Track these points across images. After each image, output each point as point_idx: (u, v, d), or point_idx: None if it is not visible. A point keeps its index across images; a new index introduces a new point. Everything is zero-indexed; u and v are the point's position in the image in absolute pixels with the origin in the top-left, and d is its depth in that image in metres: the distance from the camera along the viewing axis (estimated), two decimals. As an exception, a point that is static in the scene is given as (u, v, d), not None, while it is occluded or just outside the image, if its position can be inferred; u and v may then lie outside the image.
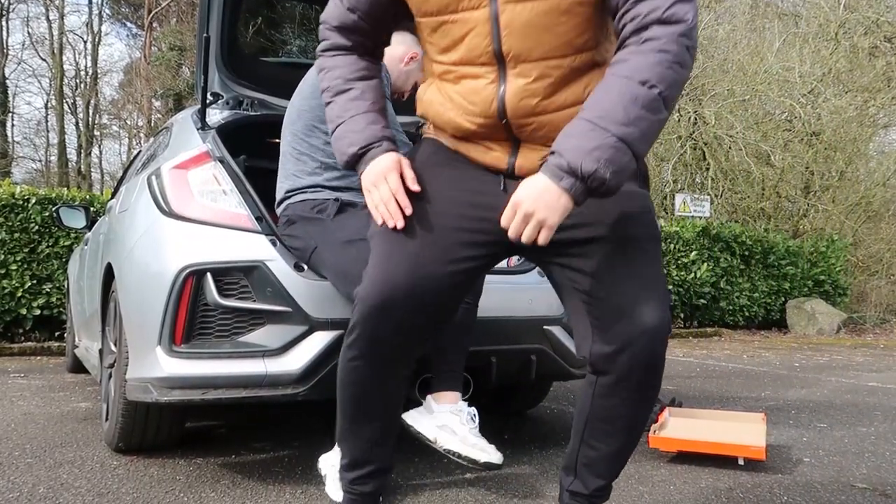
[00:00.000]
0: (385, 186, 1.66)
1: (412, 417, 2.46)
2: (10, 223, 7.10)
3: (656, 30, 1.43)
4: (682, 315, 11.33)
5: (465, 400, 2.51)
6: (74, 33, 27.19)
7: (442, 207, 1.69)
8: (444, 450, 2.37)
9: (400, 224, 1.63)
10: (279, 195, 2.67)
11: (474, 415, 2.46)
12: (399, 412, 1.88)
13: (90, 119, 26.73)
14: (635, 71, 1.42)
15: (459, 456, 2.34)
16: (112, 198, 4.17)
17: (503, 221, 1.50)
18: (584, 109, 1.46)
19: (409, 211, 1.65)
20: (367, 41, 1.82)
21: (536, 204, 1.45)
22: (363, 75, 1.80)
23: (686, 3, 1.45)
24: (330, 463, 2.24)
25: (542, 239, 1.46)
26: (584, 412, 1.69)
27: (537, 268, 3.08)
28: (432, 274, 1.64)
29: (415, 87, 2.90)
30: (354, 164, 1.74)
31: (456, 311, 1.91)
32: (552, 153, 1.46)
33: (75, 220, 4.88)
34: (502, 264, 3.20)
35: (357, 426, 1.81)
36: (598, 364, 1.61)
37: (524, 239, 1.47)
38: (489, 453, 2.34)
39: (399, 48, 2.84)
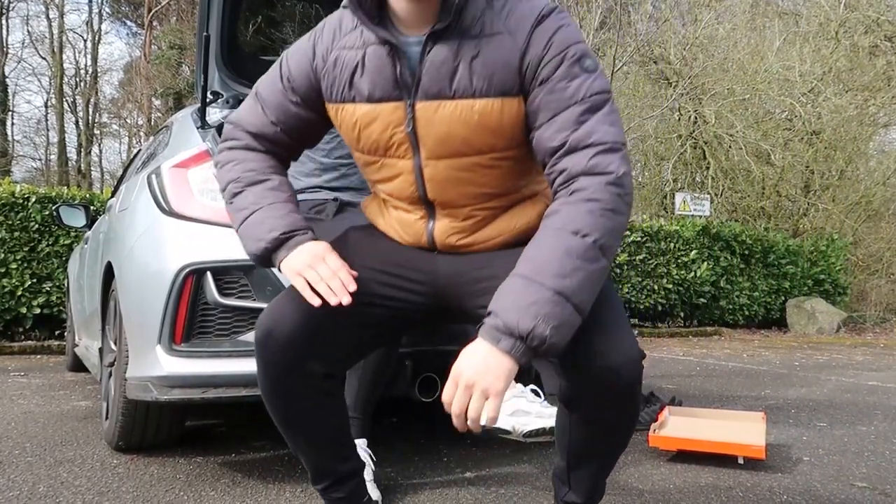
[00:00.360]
0: (325, 266, 1.53)
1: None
2: (10, 222, 7.10)
3: (583, 181, 1.42)
4: (682, 314, 11.34)
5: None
6: (74, 32, 27.22)
7: (365, 250, 1.70)
8: (527, 433, 2.37)
9: (346, 301, 1.50)
10: None
11: (537, 390, 2.48)
12: (337, 418, 1.75)
13: (90, 118, 26.73)
14: (567, 222, 1.40)
15: (544, 431, 2.35)
16: (112, 197, 4.17)
17: (445, 397, 1.38)
18: (518, 265, 1.42)
19: (352, 288, 1.52)
20: (282, 152, 1.75)
21: (477, 372, 1.35)
22: (278, 170, 1.73)
23: (611, 153, 1.43)
24: None
25: (491, 411, 1.35)
26: (566, 436, 1.65)
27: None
28: (334, 309, 1.53)
29: None
30: (273, 250, 1.60)
31: (359, 357, 1.81)
32: (489, 313, 1.39)
33: (75, 218, 4.88)
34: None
35: (294, 439, 1.73)
36: (571, 402, 1.57)
37: (471, 415, 1.35)
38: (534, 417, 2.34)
39: None
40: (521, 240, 1.58)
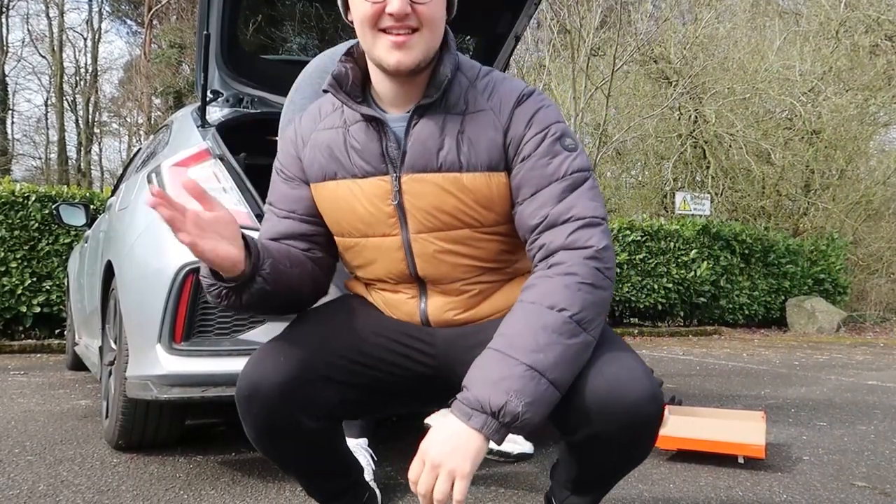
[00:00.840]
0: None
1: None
2: (10, 221, 7.10)
3: (562, 255, 1.41)
4: (681, 313, 11.34)
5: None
6: (74, 30, 27.29)
7: (363, 313, 1.66)
8: (490, 451, 2.36)
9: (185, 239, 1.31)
10: None
11: None
12: (332, 453, 1.68)
13: (90, 116, 26.74)
14: (543, 296, 1.38)
15: (491, 451, 2.34)
16: (112, 195, 4.17)
17: (411, 475, 1.32)
18: (493, 340, 1.39)
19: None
20: (313, 247, 1.65)
21: (444, 453, 1.28)
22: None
23: (591, 227, 1.42)
24: None
25: (458, 494, 1.28)
26: (571, 458, 1.58)
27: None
28: (325, 365, 1.51)
29: None
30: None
31: (354, 416, 1.75)
32: (462, 387, 1.35)
33: (75, 217, 4.88)
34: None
35: (286, 470, 1.70)
36: (582, 442, 1.47)
37: (437, 496, 1.28)
38: (521, 444, 2.34)
39: None
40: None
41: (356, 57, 1.58)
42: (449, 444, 1.29)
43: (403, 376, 1.62)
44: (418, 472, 1.31)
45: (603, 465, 1.52)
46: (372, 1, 1.43)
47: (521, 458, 2.34)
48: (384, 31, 1.44)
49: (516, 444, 2.34)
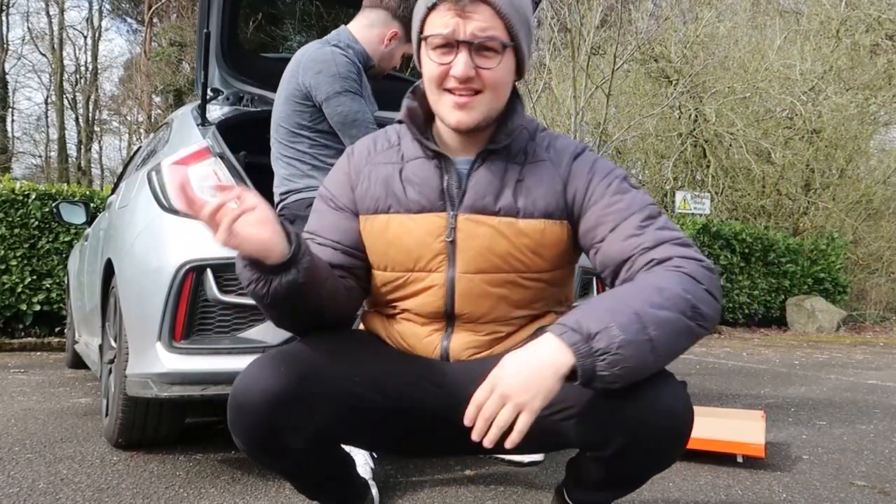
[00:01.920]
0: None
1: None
2: (10, 219, 7.10)
3: (677, 261, 1.40)
4: (681, 312, 11.33)
5: None
6: (74, 28, 27.23)
7: (370, 342, 1.64)
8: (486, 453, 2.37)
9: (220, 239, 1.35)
10: (276, 198, 2.67)
11: None
12: (328, 465, 1.64)
13: (90, 115, 26.71)
14: (661, 278, 1.36)
15: (502, 459, 2.35)
16: (112, 194, 4.17)
17: (476, 399, 1.28)
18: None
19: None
20: (356, 279, 1.62)
21: (517, 381, 1.25)
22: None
23: (689, 247, 1.44)
24: None
25: (521, 425, 1.24)
26: (593, 462, 1.52)
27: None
28: (320, 383, 1.45)
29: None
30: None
31: (352, 442, 1.69)
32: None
33: (75, 215, 4.88)
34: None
35: (282, 476, 1.69)
36: (613, 452, 1.42)
37: (497, 424, 1.24)
38: (531, 453, 2.34)
39: (375, 30, 2.71)
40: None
41: (419, 95, 1.60)
42: (525, 372, 1.25)
43: (407, 407, 1.54)
44: (483, 399, 1.27)
45: (630, 470, 1.50)
46: (439, 62, 1.47)
47: (533, 464, 2.36)
48: (449, 90, 1.48)
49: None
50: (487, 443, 1.25)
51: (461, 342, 1.58)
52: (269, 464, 1.56)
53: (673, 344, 1.31)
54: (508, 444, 1.24)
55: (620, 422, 1.36)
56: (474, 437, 1.26)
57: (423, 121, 1.61)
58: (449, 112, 1.49)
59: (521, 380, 1.25)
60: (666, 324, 1.29)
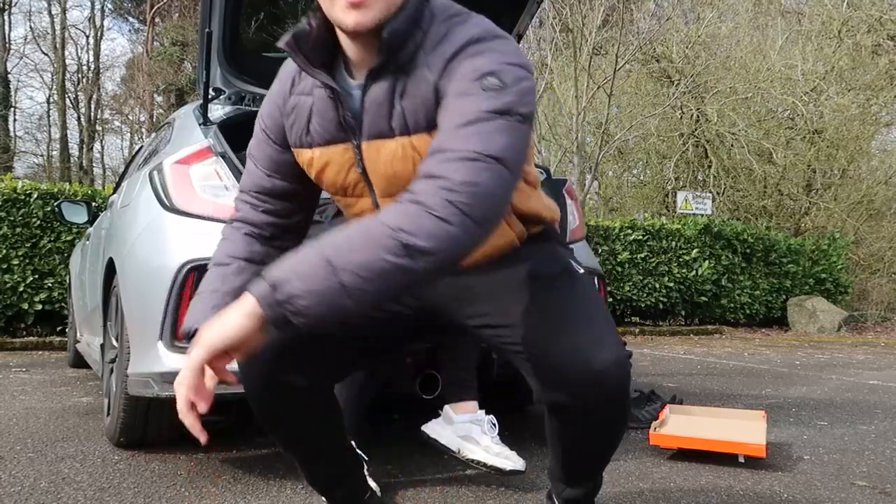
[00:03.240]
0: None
1: (433, 430, 2.47)
2: (11, 218, 7.11)
3: (418, 184, 1.26)
4: (683, 312, 11.35)
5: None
6: (76, 28, 27.24)
7: None
8: (468, 460, 2.37)
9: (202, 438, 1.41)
10: None
11: (494, 423, 2.46)
12: (326, 424, 1.70)
13: (92, 114, 26.76)
14: (381, 215, 1.26)
15: (484, 465, 2.35)
16: (114, 193, 4.18)
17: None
18: None
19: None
20: (289, 206, 1.66)
21: (212, 323, 1.27)
22: (249, 256, 1.63)
23: (464, 161, 1.24)
24: None
25: (188, 360, 1.27)
26: (557, 440, 1.62)
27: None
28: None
29: None
30: (189, 338, 1.47)
31: (347, 371, 1.77)
32: None
33: (77, 215, 4.89)
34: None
35: (283, 444, 1.71)
36: (557, 410, 1.52)
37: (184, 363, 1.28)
38: (513, 461, 2.34)
39: None
40: (505, 252, 1.59)
41: (319, 12, 1.46)
42: (219, 318, 1.26)
43: (391, 324, 1.65)
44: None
45: (582, 445, 1.55)
46: None
47: (514, 474, 2.36)
48: None
49: (508, 459, 2.35)
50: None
51: None
52: (281, 428, 1.63)
53: (379, 286, 1.21)
54: (209, 381, 1.29)
55: (551, 368, 1.42)
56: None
57: (332, 43, 1.48)
58: (344, 14, 1.35)
59: (213, 322, 1.27)
60: (363, 269, 1.19)
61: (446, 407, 2.48)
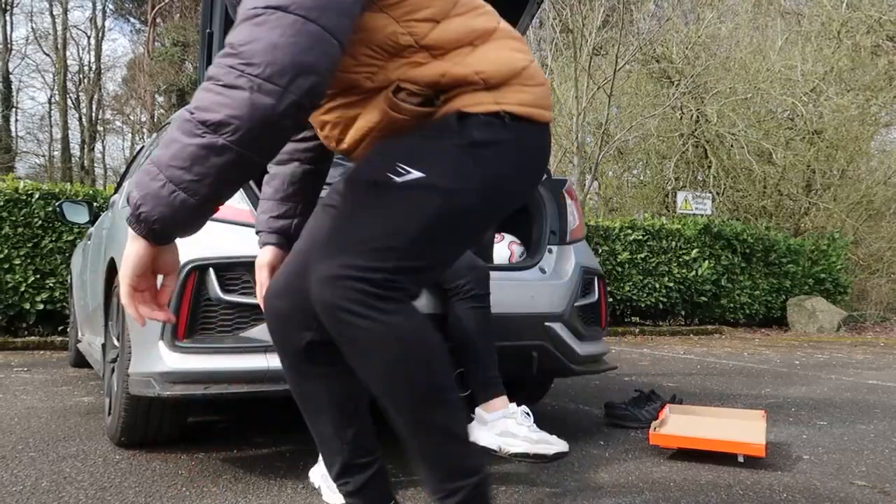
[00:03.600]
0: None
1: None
2: (13, 218, 7.11)
3: (209, 74, 1.21)
4: (683, 312, 11.36)
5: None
6: (78, 28, 27.27)
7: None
8: (511, 454, 2.38)
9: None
10: None
11: (528, 412, 2.47)
12: (349, 405, 1.68)
13: (93, 114, 26.76)
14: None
15: (528, 456, 2.36)
16: (115, 193, 4.19)
17: None
18: None
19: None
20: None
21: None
22: (286, 158, 1.77)
23: (242, 22, 1.20)
24: (319, 473, 2.26)
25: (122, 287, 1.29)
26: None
27: (539, 264, 3.10)
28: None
29: None
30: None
31: None
32: None
33: (78, 215, 4.90)
34: (504, 260, 3.22)
35: (310, 424, 1.70)
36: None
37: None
38: (555, 444, 2.35)
39: None
40: (386, 135, 1.48)
41: None
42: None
43: None
44: None
45: (374, 386, 1.40)
46: None
47: (559, 457, 2.37)
48: None
49: (550, 444, 2.36)
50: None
51: (324, 138, 1.62)
52: (294, 386, 1.64)
53: (197, 171, 1.18)
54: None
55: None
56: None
57: None
58: None
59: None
60: (174, 158, 1.18)
61: (478, 409, 2.48)
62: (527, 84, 1.47)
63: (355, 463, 1.70)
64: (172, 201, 1.20)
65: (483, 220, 1.48)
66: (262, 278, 1.73)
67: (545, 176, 3.50)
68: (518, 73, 1.45)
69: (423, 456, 1.42)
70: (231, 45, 1.18)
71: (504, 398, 2.49)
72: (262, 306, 1.61)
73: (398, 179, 1.34)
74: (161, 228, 1.23)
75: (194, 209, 1.21)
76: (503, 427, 2.42)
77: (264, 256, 1.75)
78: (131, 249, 1.26)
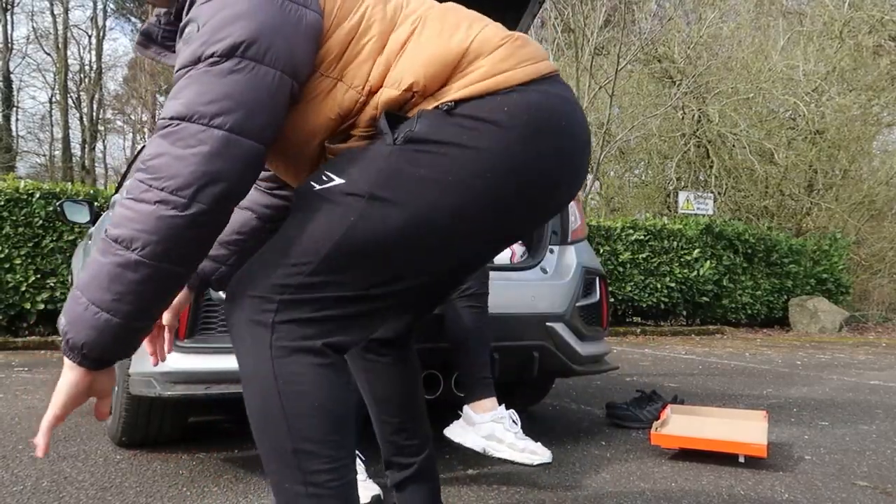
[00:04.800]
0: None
1: (455, 433, 2.47)
2: (14, 217, 7.11)
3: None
4: (684, 312, 11.35)
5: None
6: (79, 28, 27.35)
7: None
8: (495, 458, 2.38)
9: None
10: None
11: (515, 418, 2.47)
12: (389, 402, 1.69)
13: (94, 114, 26.75)
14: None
15: (512, 462, 2.36)
16: (116, 192, 4.18)
17: None
18: None
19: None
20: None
21: None
22: (245, 205, 1.65)
23: (154, 134, 1.16)
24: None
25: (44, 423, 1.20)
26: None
27: (540, 265, 3.09)
28: None
29: None
30: None
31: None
32: None
33: (79, 214, 4.89)
34: (506, 261, 3.22)
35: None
36: None
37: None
38: (539, 454, 2.35)
39: None
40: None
41: None
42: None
43: None
44: None
45: None
46: None
47: (543, 466, 2.37)
48: None
49: (534, 454, 2.35)
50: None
51: None
52: None
53: (117, 289, 1.14)
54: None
55: None
56: None
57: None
58: None
59: None
60: (92, 280, 1.15)
61: (466, 408, 2.48)
62: (476, 59, 1.24)
63: (393, 461, 1.70)
64: (96, 323, 1.15)
65: (442, 237, 1.21)
66: (165, 319, 1.64)
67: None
68: (459, 58, 1.23)
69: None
70: (142, 159, 1.14)
71: (493, 400, 2.49)
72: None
73: (317, 187, 1.22)
74: (91, 353, 1.17)
75: (120, 328, 1.16)
76: (490, 430, 2.41)
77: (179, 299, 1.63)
78: (65, 379, 1.19)
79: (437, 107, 1.20)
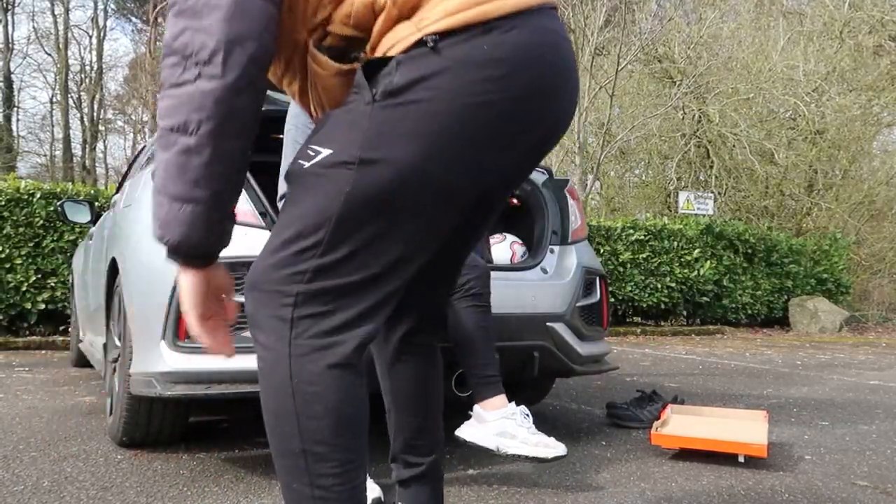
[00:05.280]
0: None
1: (467, 432, 2.47)
2: (14, 217, 7.12)
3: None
4: (684, 312, 11.35)
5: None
6: (80, 28, 27.36)
7: None
8: (509, 455, 2.39)
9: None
10: (281, 190, 2.68)
11: (527, 413, 2.47)
12: (402, 397, 1.69)
13: (95, 114, 26.77)
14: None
15: (526, 458, 2.36)
16: (117, 192, 4.19)
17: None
18: None
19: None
20: None
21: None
22: None
23: (169, 20, 1.15)
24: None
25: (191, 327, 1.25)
26: None
27: (541, 265, 3.10)
28: None
29: None
30: None
31: None
32: None
33: (80, 214, 4.90)
34: (506, 261, 3.22)
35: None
36: None
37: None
38: (553, 447, 2.35)
39: None
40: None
41: None
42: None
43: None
44: None
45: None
46: None
47: (557, 460, 2.37)
48: None
49: (548, 447, 2.36)
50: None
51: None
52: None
53: (180, 176, 1.16)
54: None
55: None
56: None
57: None
58: None
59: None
60: (165, 175, 1.18)
61: (476, 407, 2.48)
62: None
63: (403, 458, 1.70)
64: (183, 217, 1.17)
65: (441, 190, 1.17)
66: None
67: (546, 176, 3.48)
68: None
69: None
70: (166, 44, 1.13)
71: (503, 397, 2.49)
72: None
73: (306, 164, 1.19)
74: (189, 249, 1.20)
75: (205, 215, 1.17)
76: (502, 427, 2.42)
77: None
78: (183, 282, 1.23)
79: (417, 42, 1.12)
